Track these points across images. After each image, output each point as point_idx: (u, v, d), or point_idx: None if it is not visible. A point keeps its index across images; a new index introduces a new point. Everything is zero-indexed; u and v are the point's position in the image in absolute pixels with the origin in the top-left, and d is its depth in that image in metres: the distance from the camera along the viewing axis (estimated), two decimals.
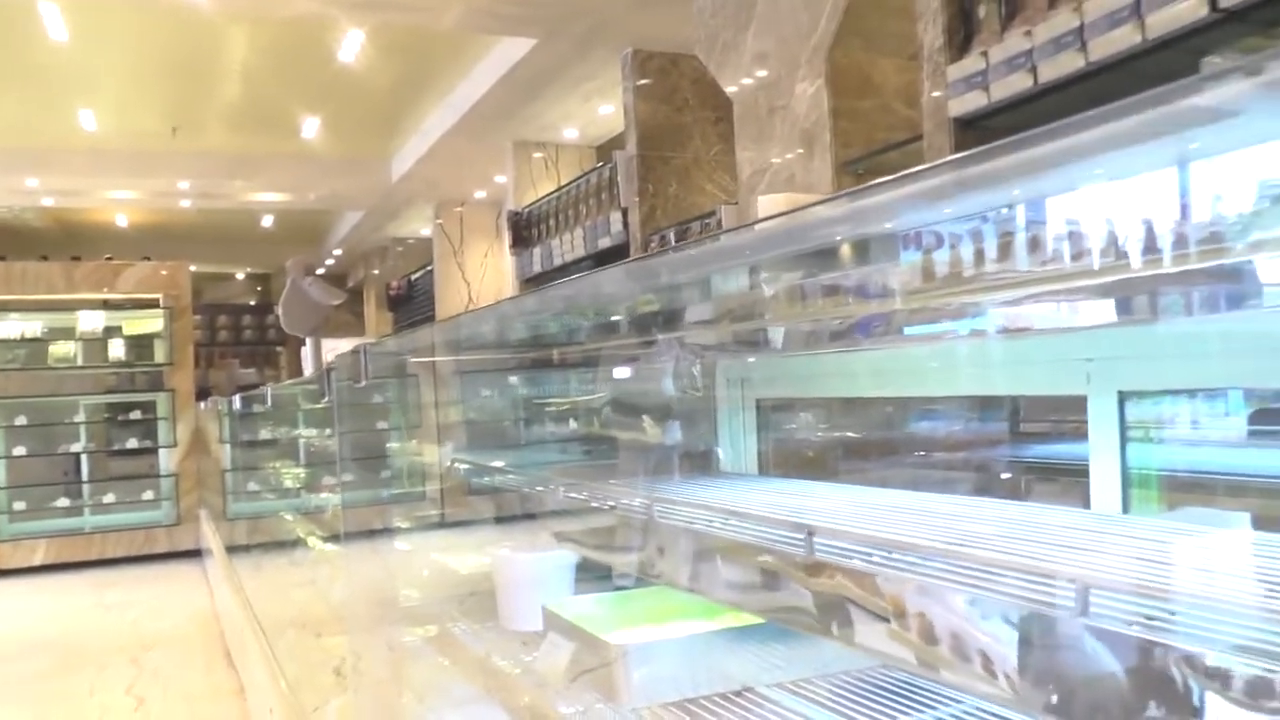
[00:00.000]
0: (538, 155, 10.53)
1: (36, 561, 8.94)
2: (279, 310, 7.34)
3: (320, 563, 4.39)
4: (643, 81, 5.46)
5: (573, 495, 1.87)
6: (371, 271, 19.04)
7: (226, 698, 5.08)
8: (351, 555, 3.33)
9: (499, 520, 2.99)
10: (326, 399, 2.99)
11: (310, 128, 11.82)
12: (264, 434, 7.29)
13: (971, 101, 3.11)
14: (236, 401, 7.60)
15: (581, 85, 8.89)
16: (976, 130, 3.15)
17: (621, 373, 2.83)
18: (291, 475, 6.19)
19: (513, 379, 3.98)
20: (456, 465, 3.03)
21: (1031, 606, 0.99)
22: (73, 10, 8.41)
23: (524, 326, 2.95)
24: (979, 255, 1.65)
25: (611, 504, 1.71)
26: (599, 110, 9.61)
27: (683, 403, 2.47)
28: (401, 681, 2.90)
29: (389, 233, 17.28)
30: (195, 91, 10.57)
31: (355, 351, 2.50)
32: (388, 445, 3.92)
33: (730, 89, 4.55)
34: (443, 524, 3.52)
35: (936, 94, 3.25)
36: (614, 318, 2.37)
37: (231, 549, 6.90)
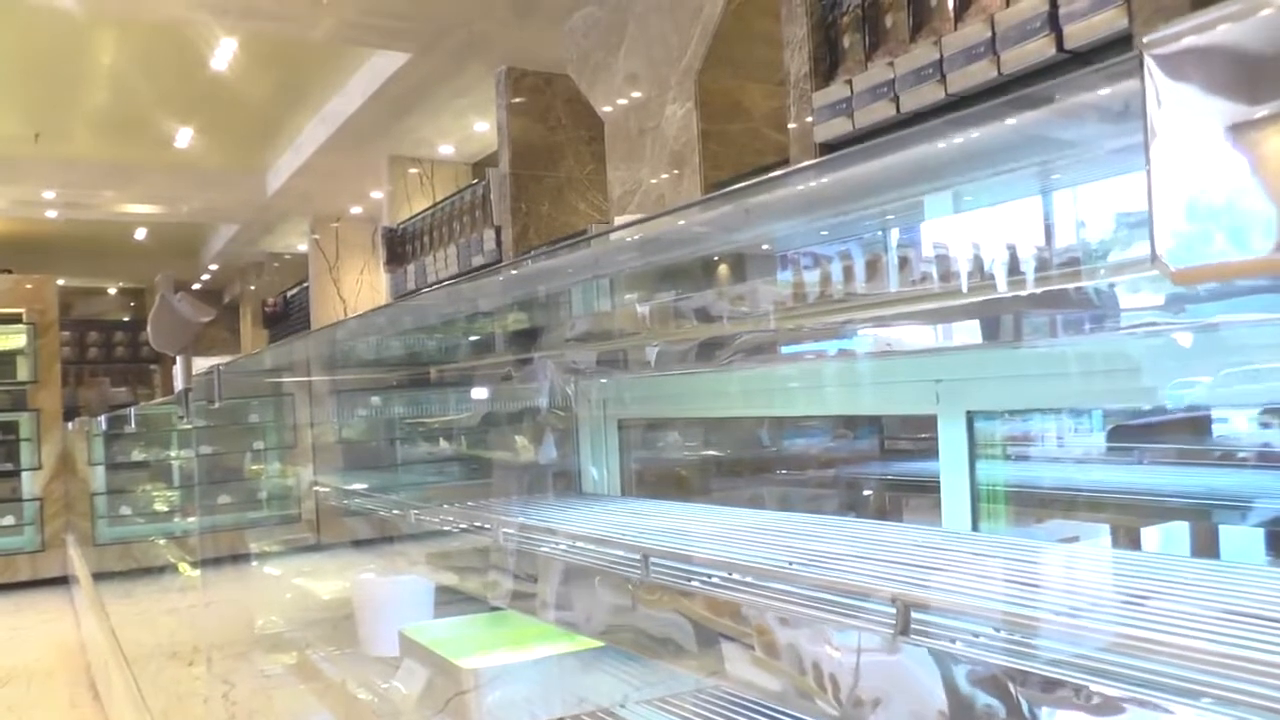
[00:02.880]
0: (413, 171, 10.40)
1: None
2: (149, 327, 7.14)
3: (190, 589, 4.27)
4: (516, 100, 5.46)
5: (424, 519, 1.86)
6: (248, 287, 18.59)
7: None
8: (216, 581, 3.24)
9: (370, 543, 2.94)
10: (186, 420, 2.91)
11: (184, 137, 11.50)
12: (135, 455, 7.07)
13: (837, 128, 3.19)
14: (104, 422, 7.36)
15: (456, 101, 8.82)
16: None
17: (495, 392, 2.82)
18: (163, 498, 6.02)
19: (389, 398, 3.93)
20: (317, 489, 2.98)
21: (855, 627, 1.01)
22: None
23: (399, 345, 2.92)
24: (826, 279, 1.69)
25: (464, 527, 1.70)
26: (474, 127, 9.54)
27: (552, 422, 2.47)
28: (270, 712, 2.83)
29: (265, 247, 16.89)
30: (60, 96, 10.18)
31: (210, 372, 2.44)
32: (254, 467, 3.84)
33: (602, 109, 4.58)
34: (318, 547, 3.45)
35: (803, 120, 3.32)
36: (477, 337, 2.36)
37: (100, 576, 6.66)
